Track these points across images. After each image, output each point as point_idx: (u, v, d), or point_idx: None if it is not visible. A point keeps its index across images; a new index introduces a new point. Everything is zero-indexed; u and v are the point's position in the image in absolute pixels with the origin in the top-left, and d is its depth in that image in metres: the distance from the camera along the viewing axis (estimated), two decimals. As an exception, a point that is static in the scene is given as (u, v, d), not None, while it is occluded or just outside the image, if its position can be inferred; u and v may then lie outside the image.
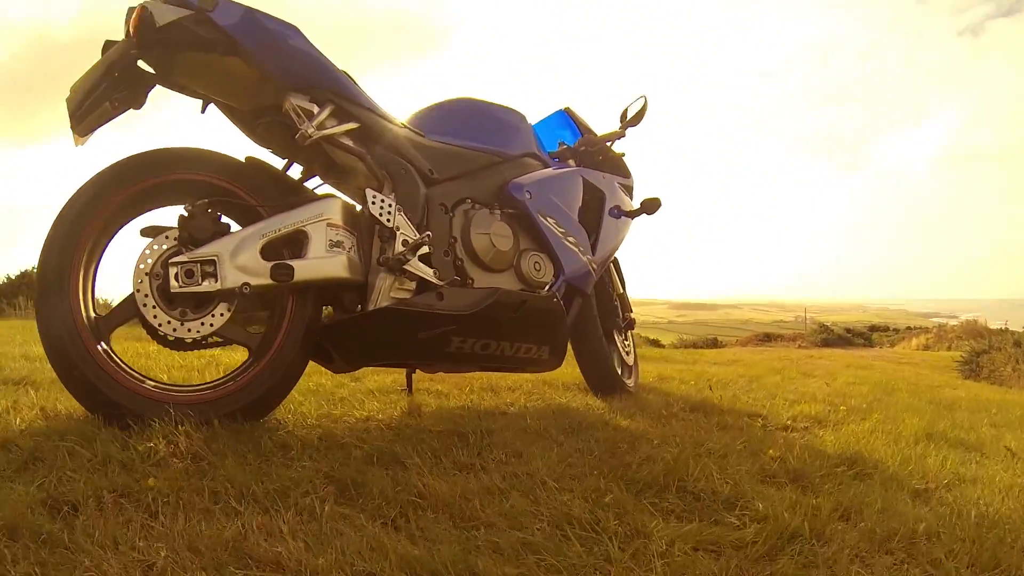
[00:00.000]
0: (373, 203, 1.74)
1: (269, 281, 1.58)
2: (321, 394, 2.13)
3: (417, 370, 2.16)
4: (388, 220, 1.75)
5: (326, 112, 1.67)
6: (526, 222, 2.10)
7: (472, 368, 2.11)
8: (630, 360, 2.80)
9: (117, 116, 1.59)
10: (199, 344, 1.62)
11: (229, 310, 1.58)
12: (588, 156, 2.57)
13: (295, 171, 1.90)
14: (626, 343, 2.81)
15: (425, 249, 1.81)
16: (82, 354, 1.47)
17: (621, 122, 2.60)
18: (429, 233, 1.83)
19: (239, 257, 1.57)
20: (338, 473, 1.33)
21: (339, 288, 1.73)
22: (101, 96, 1.52)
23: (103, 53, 1.54)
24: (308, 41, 1.67)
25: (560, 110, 2.71)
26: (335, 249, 1.66)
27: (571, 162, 2.52)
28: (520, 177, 2.13)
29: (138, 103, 1.61)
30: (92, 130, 1.58)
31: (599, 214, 2.38)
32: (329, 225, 1.65)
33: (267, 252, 1.63)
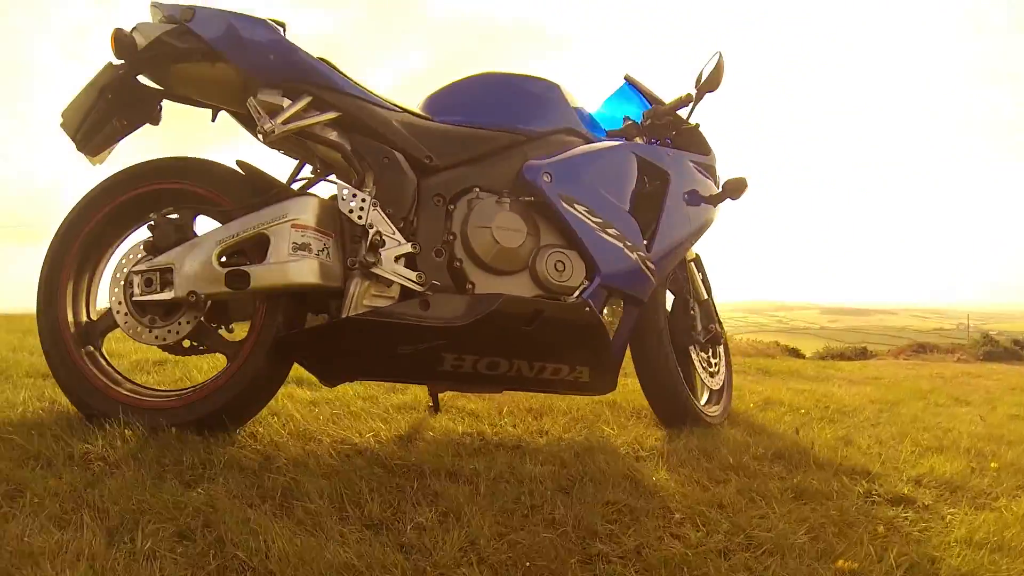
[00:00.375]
0: (343, 199, 1.54)
1: (223, 289, 1.48)
2: (326, 407, 1.92)
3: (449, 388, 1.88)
4: (359, 217, 1.53)
5: (301, 104, 1.53)
6: (547, 211, 1.69)
7: (494, 389, 1.78)
8: (716, 382, 2.26)
9: (130, 132, 1.65)
10: (184, 350, 1.60)
11: (196, 317, 1.55)
12: (658, 131, 2.10)
13: (306, 171, 1.77)
14: (712, 361, 2.28)
15: (407, 249, 1.55)
16: (63, 357, 1.57)
17: (696, 86, 2.07)
18: (415, 231, 1.58)
19: (194, 264, 1.51)
20: (203, 512, 1.12)
21: (317, 295, 1.56)
22: (100, 117, 1.58)
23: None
24: (281, 35, 1.57)
25: (624, 83, 2.23)
26: (300, 252, 1.49)
27: (638, 139, 2.04)
28: (541, 157, 1.73)
29: (153, 119, 1.67)
30: (104, 149, 1.64)
31: (660, 200, 1.90)
32: (294, 226, 1.49)
33: (231, 258, 1.53)
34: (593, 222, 1.71)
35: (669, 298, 2.22)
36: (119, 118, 1.59)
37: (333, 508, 1.18)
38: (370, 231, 1.52)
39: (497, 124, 1.74)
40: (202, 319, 1.56)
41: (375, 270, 1.50)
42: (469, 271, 1.60)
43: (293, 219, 1.50)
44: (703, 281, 2.31)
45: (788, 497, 1.45)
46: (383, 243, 1.53)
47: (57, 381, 1.60)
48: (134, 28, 1.52)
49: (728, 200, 2.12)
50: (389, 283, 1.52)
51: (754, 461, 1.71)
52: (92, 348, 1.62)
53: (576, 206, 1.69)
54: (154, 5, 1.57)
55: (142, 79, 1.59)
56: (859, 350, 10.75)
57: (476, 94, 1.81)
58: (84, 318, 1.64)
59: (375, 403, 2.06)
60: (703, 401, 2.27)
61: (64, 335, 1.58)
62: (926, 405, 3.04)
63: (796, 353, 9.13)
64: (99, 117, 1.56)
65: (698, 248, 2.26)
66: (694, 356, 2.19)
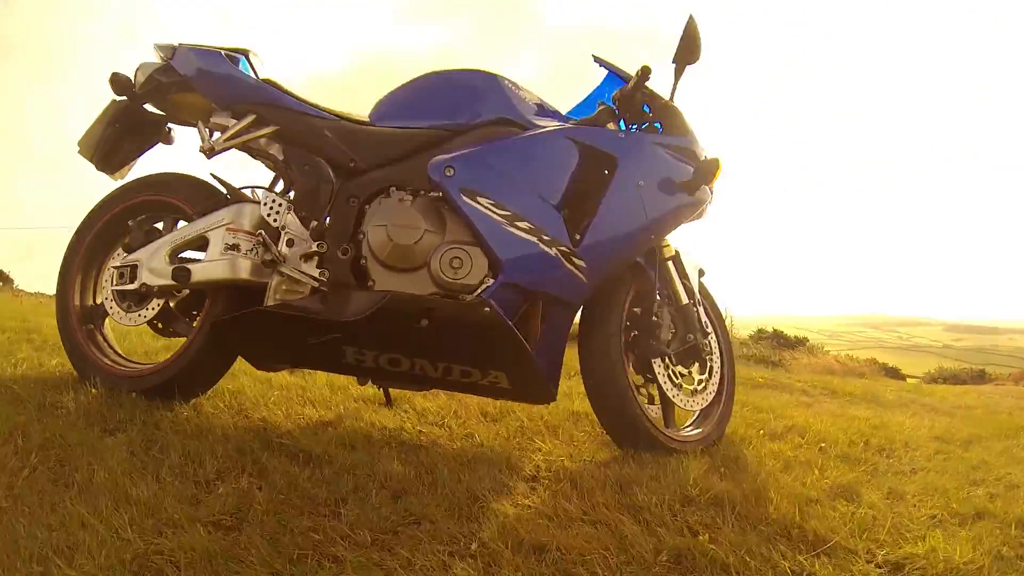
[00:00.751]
0: (264, 204, 1.72)
1: (171, 282, 1.73)
2: (287, 392, 2.09)
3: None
4: (275, 220, 1.70)
5: (244, 122, 1.76)
6: (451, 207, 1.64)
7: (413, 387, 1.80)
8: (695, 402, 1.98)
9: (144, 152, 2.03)
10: (169, 333, 1.93)
11: (159, 304, 1.85)
12: (634, 112, 1.90)
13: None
14: (694, 377, 1.99)
15: (313, 248, 1.68)
16: (68, 332, 1.93)
17: (673, 60, 1.85)
18: (325, 231, 1.69)
19: (152, 261, 1.79)
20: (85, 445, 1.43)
21: (251, 289, 1.72)
22: (112, 144, 1.94)
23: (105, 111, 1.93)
24: (229, 63, 1.81)
25: (604, 69, 2.03)
26: (230, 252, 1.70)
27: (610, 125, 1.86)
28: (450, 151, 1.68)
29: (163, 139, 2.03)
30: (121, 167, 2.01)
31: (602, 187, 1.72)
32: (228, 229, 1.71)
33: (181, 256, 1.81)
34: (499, 216, 1.60)
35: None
36: (130, 142, 1.96)
37: (182, 462, 1.41)
38: (283, 232, 1.68)
39: (428, 122, 1.76)
40: (172, 306, 1.87)
41: (282, 268, 1.65)
42: (371, 269, 1.66)
43: (228, 223, 1.72)
44: (685, 283, 2.00)
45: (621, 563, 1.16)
46: (293, 243, 1.68)
47: (64, 349, 1.95)
48: (138, 67, 1.87)
49: (705, 186, 1.87)
50: (298, 279, 1.65)
51: (656, 507, 1.39)
52: (92, 326, 1.95)
53: (479, 199, 1.61)
54: (155, 46, 1.89)
55: (149, 107, 1.93)
56: (975, 373, 9.36)
57: (412, 95, 1.82)
58: (88, 302, 1.97)
59: (342, 393, 2.17)
60: (688, 422, 2.04)
61: (70, 315, 1.92)
62: (1008, 447, 2.47)
63: (895, 373, 8.11)
64: (111, 144, 1.92)
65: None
66: (658, 369, 1.91)
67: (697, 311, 1.98)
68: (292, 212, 1.71)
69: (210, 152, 1.77)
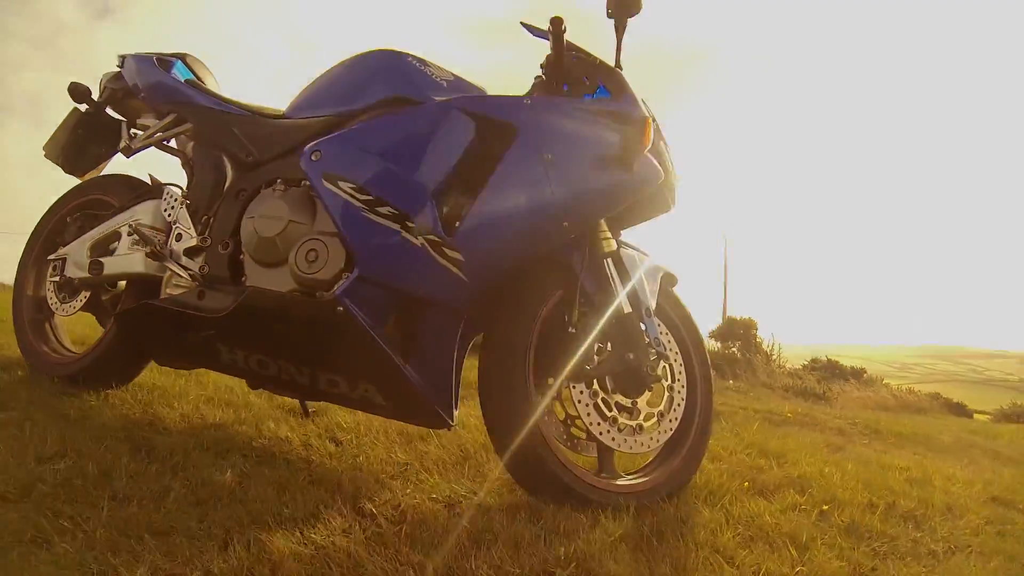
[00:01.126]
0: (164, 200, 1.71)
1: (87, 275, 1.78)
2: (202, 388, 2.04)
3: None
4: (168, 215, 1.68)
5: (164, 121, 1.80)
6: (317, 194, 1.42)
7: (297, 395, 1.69)
8: (639, 442, 1.52)
9: (111, 156, 2.07)
10: (102, 324, 1.97)
11: (87, 296, 1.93)
12: (570, 78, 1.58)
13: None
14: (621, 407, 1.52)
15: (195, 242, 1.59)
16: (19, 320, 2.03)
17: (608, 14, 1.57)
18: (211, 226, 1.60)
19: (76, 255, 1.85)
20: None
21: (151, 282, 1.69)
22: (77, 148, 2.01)
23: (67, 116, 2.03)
24: (159, 68, 1.83)
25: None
26: (135, 247, 1.71)
27: (537, 93, 1.58)
28: (324, 135, 1.48)
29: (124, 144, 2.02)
30: (89, 170, 2.08)
31: (494, 163, 1.40)
32: (131, 224, 1.71)
33: (100, 251, 1.83)
34: (360, 201, 1.35)
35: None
36: (96, 144, 2.02)
37: (26, 438, 1.36)
38: (174, 227, 1.64)
39: (325, 110, 1.59)
40: (104, 299, 1.94)
41: (166, 262, 1.60)
42: (246, 264, 1.51)
43: (137, 219, 1.72)
44: (634, 288, 1.56)
45: None
46: (181, 237, 1.62)
47: (15, 334, 2.05)
48: (101, 76, 1.98)
49: (647, 160, 1.51)
50: (180, 274, 1.57)
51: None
52: (40, 316, 2.04)
53: (340, 184, 1.36)
54: (119, 55, 1.96)
55: (111, 112, 2.00)
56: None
57: (319, 84, 1.67)
58: (40, 293, 2.05)
59: (271, 400, 2.02)
60: (638, 468, 1.61)
61: (21, 305, 2.04)
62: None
63: (960, 410, 7.10)
64: (75, 148, 2.01)
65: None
66: (577, 397, 1.48)
67: (646, 324, 1.54)
68: (184, 207, 1.67)
69: (127, 151, 1.87)
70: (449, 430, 1.64)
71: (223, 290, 1.49)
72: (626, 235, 1.69)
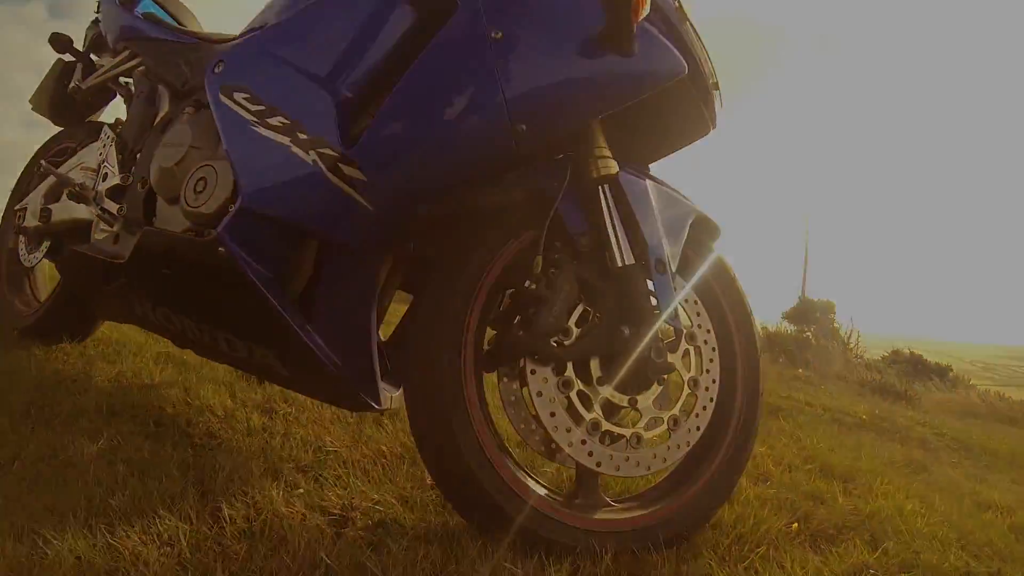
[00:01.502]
0: (100, 140, 1.55)
1: (38, 223, 1.66)
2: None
3: None
4: (100, 154, 1.50)
5: (117, 59, 1.68)
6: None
7: (217, 359, 1.37)
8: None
9: (107, 102, 1.97)
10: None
11: (47, 246, 1.80)
12: None
13: None
14: (613, 405, 1.07)
15: (116, 181, 1.41)
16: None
17: None
18: (136, 163, 1.40)
19: (32, 205, 1.73)
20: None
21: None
22: (65, 98, 1.90)
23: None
24: (119, 7, 1.68)
25: None
26: (78, 190, 1.56)
27: None
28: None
29: (121, 90, 1.86)
30: (82, 120, 1.97)
31: (417, 49, 1.05)
32: (81, 168, 1.58)
33: (50, 198, 1.73)
34: (250, 113, 1.06)
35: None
36: (85, 94, 1.90)
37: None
38: (102, 167, 1.47)
39: (271, 19, 1.25)
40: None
41: (90, 206, 1.44)
42: (157, 202, 1.28)
43: (83, 163, 1.58)
44: (636, 230, 1.07)
45: None
46: (106, 177, 1.45)
47: None
48: (53, 33, 1.88)
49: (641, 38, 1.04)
50: (105, 218, 1.40)
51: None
52: (17, 268, 1.97)
53: (235, 95, 1.09)
54: (97, 1, 1.84)
55: (95, 59, 1.87)
56: None
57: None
58: (12, 245, 1.99)
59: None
60: (631, 494, 1.20)
61: (1, 257, 2.01)
62: None
63: None
64: (61, 98, 1.92)
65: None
66: (537, 382, 1.01)
67: (657, 285, 1.06)
68: (113, 144, 1.50)
69: (75, 92, 1.80)
70: (382, 414, 1.37)
71: (131, 233, 1.28)
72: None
